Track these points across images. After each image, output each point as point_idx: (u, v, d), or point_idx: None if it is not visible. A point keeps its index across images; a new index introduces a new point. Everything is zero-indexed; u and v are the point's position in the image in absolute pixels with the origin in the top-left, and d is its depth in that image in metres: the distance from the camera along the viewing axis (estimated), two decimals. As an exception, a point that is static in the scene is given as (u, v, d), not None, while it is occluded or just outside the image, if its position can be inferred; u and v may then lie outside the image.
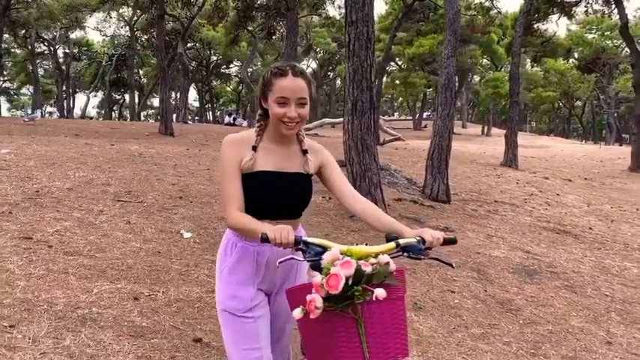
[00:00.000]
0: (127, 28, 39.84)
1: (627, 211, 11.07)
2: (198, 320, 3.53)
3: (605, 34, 44.92)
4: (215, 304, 2.07)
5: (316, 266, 1.62)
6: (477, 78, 53.97)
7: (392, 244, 1.73)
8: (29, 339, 2.97)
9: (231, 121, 28.82)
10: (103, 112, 59.25)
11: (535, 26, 26.92)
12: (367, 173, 6.62)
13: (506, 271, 5.60)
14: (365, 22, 6.69)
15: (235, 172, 1.91)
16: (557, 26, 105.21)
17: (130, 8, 33.53)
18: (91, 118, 51.77)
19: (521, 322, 4.29)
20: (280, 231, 1.65)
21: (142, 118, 55.39)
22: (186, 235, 5.22)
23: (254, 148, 1.93)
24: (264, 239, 1.64)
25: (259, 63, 47.15)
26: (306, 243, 1.68)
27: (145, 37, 40.00)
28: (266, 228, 1.68)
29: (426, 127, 43.71)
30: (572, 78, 45.70)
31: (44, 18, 27.78)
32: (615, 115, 52.34)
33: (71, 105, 50.18)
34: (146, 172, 7.90)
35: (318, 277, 1.56)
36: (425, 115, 52.99)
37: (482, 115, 63.84)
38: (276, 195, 1.92)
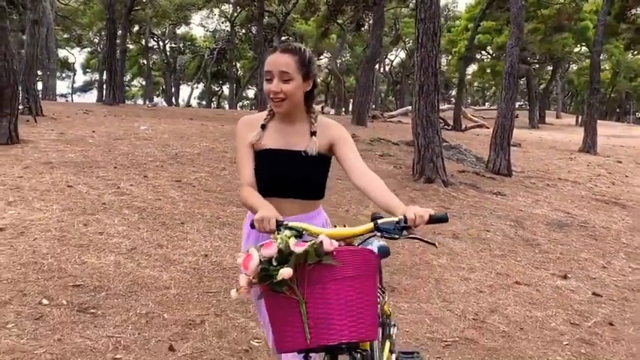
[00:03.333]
0: (227, 23, 42.96)
1: (695, 192, 11.51)
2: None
3: None
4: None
5: None
6: (574, 67, 52.10)
7: (370, 225, 1.75)
8: (195, 230, 4.80)
9: (320, 110, 30.68)
10: (203, 102, 63.68)
11: (629, 12, 26.33)
12: (430, 145, 8.02)
13: (541, 223, 6.82)
14: (432, 19, 8.06)
15: (247, 150, 1.99)
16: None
17: (231, 5, 36.37)
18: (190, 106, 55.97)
19: (537, 251, 5.59)
20: (262, 220, 1.73)
21: (238, 108, 59.11)
22: (286, 185, 6.95)
23: (262, 127, 1.99)
24: (252, 226, 1.79)
25: (348, 54, 48.76)
26: (286, 228, 1.72)
27: (243, 31, 42.99)
28: (259, 210, 1.79)
29: (517, 116, 43.21)
30: (677, 65, 43.14)
31: (158, 16, 31.09)
32: None
33: (177, 95, 54.68)
34: (252, 144, 9.79)
35: (239, 259, 1.59)
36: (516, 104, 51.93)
37: (578, 105, 61.41)
38: (278, 172, 1.96)
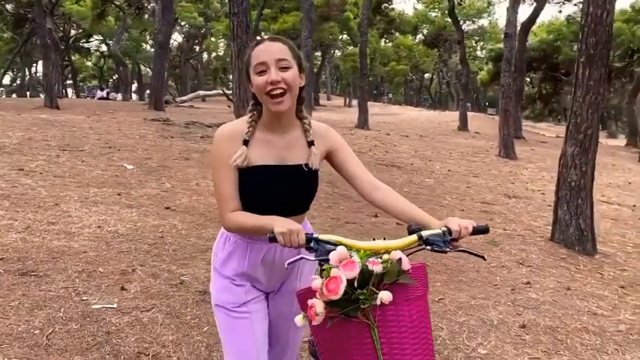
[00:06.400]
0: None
1: (442, 155, 14.87)
2: (169, 201, 5.93)
3: (445, 12, 51.04)
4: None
5: None
6: (338, 53, 58.02)
7: (413, 237, 1.62)
8: (73, 209, 5.23)
9: (105, 95, 29.35)
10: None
11: (382, 6, 30.92)
12: (251, 124, 9.19)
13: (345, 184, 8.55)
14: (244, 13, 9.16)
15: (230, 170, 1.72)
16: (405, 5, 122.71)
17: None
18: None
19: (352, 202, 7.22)
20: (290, 234, 1.54)
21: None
22: (129, 167, 7.44)
23: (245, 142, 1.73)
24: (272, 239, 1.55)
25: (124, 37, 46.74)
26: (317, 241, 1.55)
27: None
28: (274, 225, 1.56)
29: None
30: (418, 53, 51.44)
31: None
32: (458, 85, 59.64)
33: None
34: (71, 132, 9.73)
35: (317, 281, 1.43)
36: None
37: (343, 87, 68.68)
38: (278, 191, 1.74)
